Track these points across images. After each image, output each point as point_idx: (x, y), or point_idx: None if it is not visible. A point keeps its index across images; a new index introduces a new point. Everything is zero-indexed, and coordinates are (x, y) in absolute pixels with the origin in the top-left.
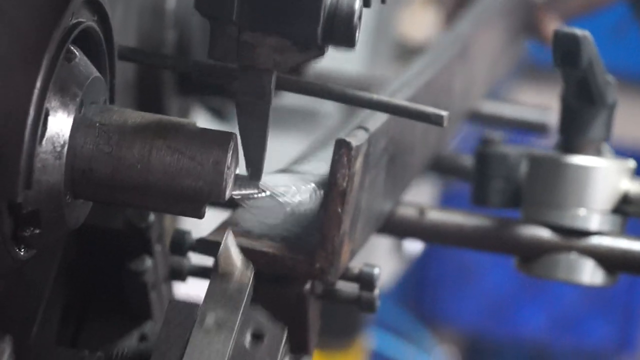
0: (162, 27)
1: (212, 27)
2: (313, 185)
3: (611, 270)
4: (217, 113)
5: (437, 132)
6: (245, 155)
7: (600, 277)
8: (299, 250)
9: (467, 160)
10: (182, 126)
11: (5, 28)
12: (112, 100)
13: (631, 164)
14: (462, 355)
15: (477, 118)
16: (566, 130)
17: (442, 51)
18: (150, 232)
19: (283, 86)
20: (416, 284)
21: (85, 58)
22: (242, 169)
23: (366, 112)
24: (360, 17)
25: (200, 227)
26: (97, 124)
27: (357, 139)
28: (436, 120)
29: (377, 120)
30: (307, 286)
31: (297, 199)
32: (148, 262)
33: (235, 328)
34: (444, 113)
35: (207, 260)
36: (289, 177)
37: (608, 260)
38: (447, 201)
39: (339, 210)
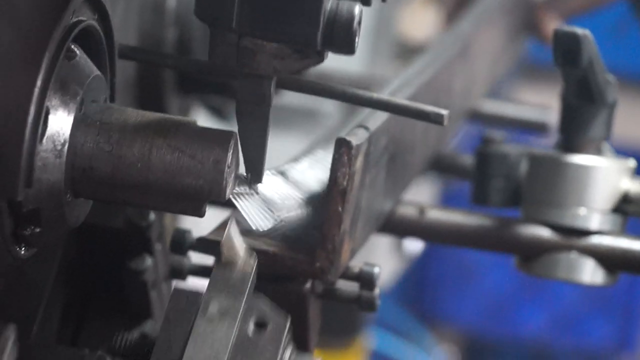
0: (162, 26)
1: (211, 33)
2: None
3: (611, 269)
4: (218, 112)
5: (438, 131)
6: (245, 159)
7: (601, 277)
8: (299, 249)
9: (467, 160)
10: (182, 125)
11: (5, 27)
12: (112, 99)
13: (631, 163)
14: (462, 354)
15: (478, 117)
16: (566, 129)
17: (442, 50)
18: (150, 230)
19: (283, 85)
20: (416, 283)
21: (85, 56)
22: (242, 169)
23: (366, 111)
24: (360, 23)
25: (200, 226)
26: (98, 123)
27: (357, 138)
28: (436, 119)
29: (377, 119)
30: (307, 285)
31: (288, 214)
32: (148, 261)
33: (239, 316)
34: (444, 112)
35: (207, 259)
36: (284, 185)
37: (608, 259)
38: (447, 200)
39: (340, 209)
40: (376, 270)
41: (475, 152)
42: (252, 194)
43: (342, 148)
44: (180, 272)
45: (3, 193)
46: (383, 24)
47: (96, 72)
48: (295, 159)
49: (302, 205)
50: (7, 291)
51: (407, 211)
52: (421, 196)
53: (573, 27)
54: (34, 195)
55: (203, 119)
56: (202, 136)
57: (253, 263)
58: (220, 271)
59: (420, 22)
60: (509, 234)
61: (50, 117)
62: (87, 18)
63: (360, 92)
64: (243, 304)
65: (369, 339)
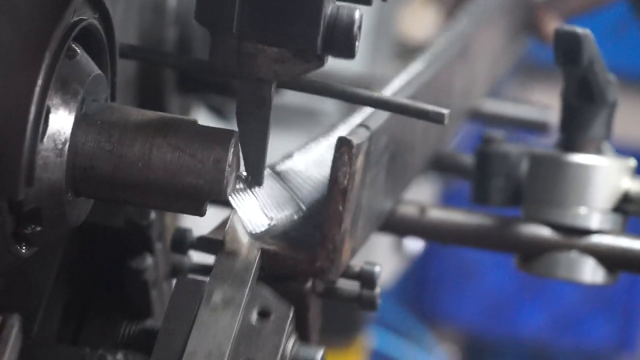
0: (163, 25)
1: (212, 37)
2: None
3: (612, 269)
4: (218, 111)
5: (438, 130)
6: (245, 161)
7: (601, 276)
8: (299, 249)
9: (468, 159)
10: (183, 124)
11: (6, 26)
12: (113, 98)
13: (632, 162)
14: (462, 354)
15: (478, 117)
16: (567, 128)
17: (442, 50)
18: (151, 230)
19: (283, 84)
20: (417, 282)
21: (86, 55)
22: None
23: (366, 110)
24: (360, 27)
25: (201, 225)
26: (99, 122)
27: (358, 137)
28: (437, 118)
29: (377, 118)
30: (308, 284)
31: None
32: (149, 260)
33: (242, 305)
34: (444, 111)
35: (208, 258)
36: (279, 186)
37: (608, 259)
38: (447, 200)
39: (340, 208)
40: (377, 269)
41: (475, 151)
42: (248, 195)
43: (343, 147)
44: (181, 271)
45: (4, 192)
46: (383, 24)
47: (97, 71)
48: (289, 155)
49: (296, 207)
50: (7, 290)
51: (407, 210)
52: (422, 195)
53: (574, 26)
54: (35, 194)
55: (203, 119)
56: (202, 135)
57: (257, 252)
58: (224, 261)
59: (420, 22)
60: (510, 233)
61: (51, 116)
62: (88, 17)
63: (361, 90)
64: (246, 293)
65: (370, 338)
